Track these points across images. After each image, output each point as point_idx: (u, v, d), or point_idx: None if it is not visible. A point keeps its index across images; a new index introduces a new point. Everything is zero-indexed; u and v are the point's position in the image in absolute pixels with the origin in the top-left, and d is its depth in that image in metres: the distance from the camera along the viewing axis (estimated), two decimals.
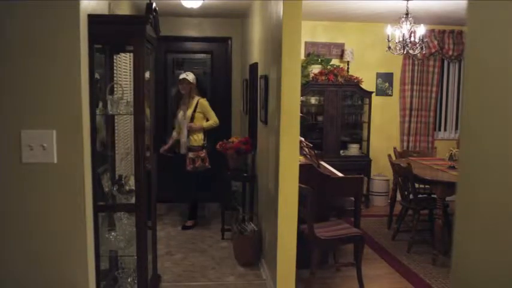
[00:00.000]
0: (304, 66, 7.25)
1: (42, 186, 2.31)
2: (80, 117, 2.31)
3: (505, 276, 1.19)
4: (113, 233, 3.33)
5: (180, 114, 6.27)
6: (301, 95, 5.41)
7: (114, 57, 3.73)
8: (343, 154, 7.53)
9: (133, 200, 3.25)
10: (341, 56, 7.66)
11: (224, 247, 5.57)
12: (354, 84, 7.44)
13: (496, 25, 1.26)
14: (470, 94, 1.41)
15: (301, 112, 4.32)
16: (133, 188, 3.30)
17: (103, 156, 3.37)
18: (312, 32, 7.52)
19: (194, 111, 6.15)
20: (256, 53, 5.76)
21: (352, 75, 7.47)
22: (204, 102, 6.23)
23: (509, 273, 1.15)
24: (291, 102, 3.86)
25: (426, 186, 6.01)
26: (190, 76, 6.20)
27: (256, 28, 5.75)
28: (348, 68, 7.60)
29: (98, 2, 3.05)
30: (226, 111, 7.64)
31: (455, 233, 1.46)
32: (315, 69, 7.51)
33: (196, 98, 6.20)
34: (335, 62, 7.63)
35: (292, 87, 3.86)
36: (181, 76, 6.24)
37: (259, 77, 5.31)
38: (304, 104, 7.25)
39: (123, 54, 4.03)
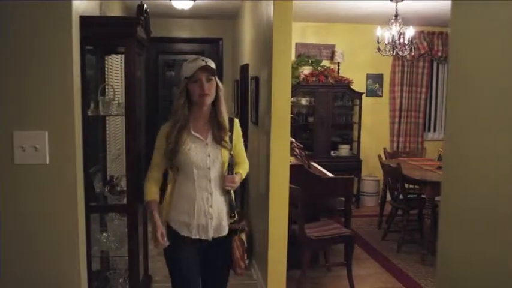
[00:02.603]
0: (295, 68, 7.28)
1: (34, 187, 2.32)
2: (72, 119, 2.32)
3: (486, 270, 1.23)
4: (104, 234, 3.34)
5: (193, 155, 2.63)
6: (292, 96, 5.44)
7: (105, 58, 3.74)
8: (333, 155, 7.57)
9: (125, 201, 3.26)
10: (331, 57, 7.70)
11: None
12: (344, 85, 7.48)
13: (479, 26, 1.29)
14: (454, 94, 1.45)
15: (292, 113, 4.36)
16: (125, 188, 3.31)
17: (95, 157, 3.38)
18: (302, 33, 7.56)
19: (230, 146, 2.73)
20: (247, 54, 5.78)
21: (342, 77, 7.51)
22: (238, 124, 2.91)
23: (490, 267, 1.18)
24: (281, 103, 3.88)
25: (416, 186, 6.06)
26: (213, 65, 2.71)
27: (247, 29, 5.77)
28: (338, 69, 7.64)
29: (89, 3, 3.06)
30: None
31: (440, 231, 1.49)
32: (306, 70, 7.54)
33: (226, 114, 2.73)
34: (325, 63, 7.67)
35: (282, 88, 3.89)
36: (200, 63, 2.60)
37: (250, 78, 5.33)
38: (294, 105, 7.28)
39: (114, 55, 4.03)
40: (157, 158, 2.71)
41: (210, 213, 2.63)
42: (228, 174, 2.67)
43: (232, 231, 2.72)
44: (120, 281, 3.50)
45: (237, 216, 2.74)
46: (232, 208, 2.72)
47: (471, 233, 1.32)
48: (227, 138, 2.67)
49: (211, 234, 2.65)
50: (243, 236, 2.77)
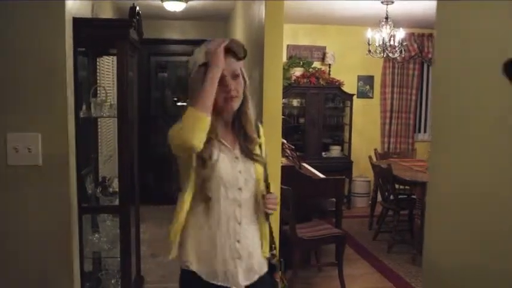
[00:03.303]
0: (286, 69, 7.32)
1: (27, 188, 2.33)
2: (65, 121, 2.34)
3: (470, 267, 1.26)
4: (96, 235, 3.35)
5: (222, 168, 1.97)
6: (283, 98, 5.47)
7: (97, 59, 3.75)
8: (324, 156, 7.61)
9: (117, 202, 3.28)
10: (322, 59, 7.75)
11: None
12: (335, 87, 7.52)
13: (463, 27, 1.33)
14: (439, 95, 1.48)
15: (283, 114, 4.39)
16: (117, 189, 3.32)
17: (87, 158, 3.38)
18: (293, 35, 7.59)
19: (265, 160, 2.16)
20: None
21: (333, 78, 7.56)
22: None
23: (473, 263, 1.22)
24: (273, 105, 3.91)
25: (406, 187, 6.12)
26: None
27: (239, 31, 5.80)
28: (329, 70, 7.68)
29: (81, 4, 3.07)
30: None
31: (426, 230, 1.53)
32: (297, 71, 7.58)
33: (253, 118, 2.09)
34: (317, 64, 7.71)
35: (274, 90, 3.92)
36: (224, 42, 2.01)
37: None
38: (286, 106, 7.32)
39: (106, 57, 4.04)
40: None
41: (238, 252, 1.94)
42: (268, 193, 2.05)
43: (271, 267, 2.08)
44: (113, 281, 3.51)
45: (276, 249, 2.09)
46: (272, 238, 2.12)
47: (455, 233, 1.36)
48: (258, 151, 2.04)
49: (242, 282, 1.96)
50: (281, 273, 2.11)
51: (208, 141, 1.87)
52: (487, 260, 1.20)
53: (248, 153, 2.00)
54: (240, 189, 1.96)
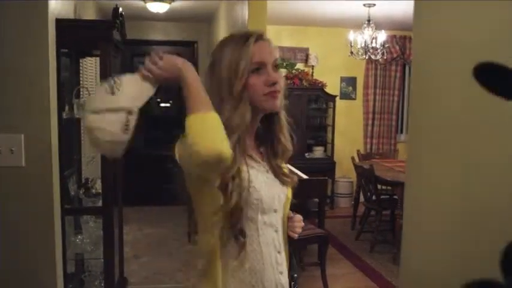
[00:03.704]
0: None
1: (10, 189, 2.32)
2: (48, 122, 2.33)
3: (444, 265, 1.29)
4: (79, 236, 3.34)
5: (259, 187, 1.51)
6: None
7: (80, 60, 3.74)
8: (308, 157, 7.66)
9: (100, 203, 3.27)
10: (305, 61, 7.79)
11: (191, 250, 5.59)
12: (318, 88, 7.58)
13: (439, 29, 1.36)
14: (416, 96, 1.52)
15: None
16: (100, 191, 3.32)
17: (69, 159, 3.37)
18: (277, 37, 7.63)
19: (295, 179, 1.71)
20: None
21: (316, 79, 7.61)
22: None
23: (447, 260, 1.25)
24: None
25: (388, 187, 6.18)
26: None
27: (222, 32, 5.81)
28: (312, 72, 7.73)
29: (63, 4, 3.06)
30: None
31: (404, 229, 1.56)
32: (281, 73, 7.60)
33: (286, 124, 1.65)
34: (300, 66, 7.75)
35: None
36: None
37: None
38: None
39: (89, 57, 4.03)
40: None
41: (283, 286, 1.59)
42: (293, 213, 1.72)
43: None
44: (96, 283, 3.50)
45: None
46: (293, 266, 1.72)
47: (432, 230, 1.39)
48: (286, 169, 1.65)
49: None
50: None
51: (237, 157, 1.42)
52: (461, 260, 1.23)
53: (277, 168, 1.60)
54: (275, 211, 1.58)
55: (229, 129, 1.35)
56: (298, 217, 1.70)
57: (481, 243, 1.15)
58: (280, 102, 1.53)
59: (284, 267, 1.59)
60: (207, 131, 1.28)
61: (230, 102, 1.42)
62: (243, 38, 1.45)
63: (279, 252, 1.57)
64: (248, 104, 1.43)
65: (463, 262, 1.19)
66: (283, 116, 1.60)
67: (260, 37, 1.48)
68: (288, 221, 1.67)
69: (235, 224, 1.44)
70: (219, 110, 1.36)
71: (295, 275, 1.71)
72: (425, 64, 1.46)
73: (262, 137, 1.60)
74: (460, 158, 1.26)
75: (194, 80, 1.38)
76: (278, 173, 1.59)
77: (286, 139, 1.59)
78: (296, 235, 1.68)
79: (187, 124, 1.31)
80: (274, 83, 1.45)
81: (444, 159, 1.34)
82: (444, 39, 1.32)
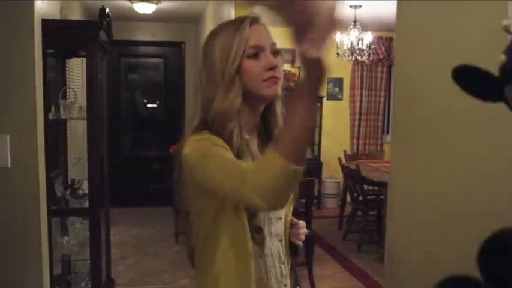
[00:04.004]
0: None
1: None
2: (34, 122, 2.32)
3: (427, 262, 1.31)
4: (66, 238, 3.33)
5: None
6: None
7: (67, 61, 3.73)
8: None
9: (86, 204, 3.27)
10: (292, 62, 7.81)
11: (178, 251, 5.59)
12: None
13: (421, 30, 1.38)
14: (399, 96, 1.54)
15: None
16: (87, 192, 3.31)
17: (56, 160, 3.36)
18: None
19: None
20: None
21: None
22: None
23: (430, 258, 1.27)
24: None
25: (374, 187, 6.23)
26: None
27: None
28: (299, 73, 7.75)
29: (49, 5, 3.05)
30: (180, 115, 7.67)
31: (388, 229, 1.58)
32: None
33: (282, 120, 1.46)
34: (286, 67, 7.77)
35: None
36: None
37: None
38: None
39: (75, 58, 4.02)
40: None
41: None
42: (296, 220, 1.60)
43: None
44: (82, 284, 3.49)
45: None
46: (296, 277, 1.61)
47: (414, 231, 1.41)
48: None
49: None
50: None
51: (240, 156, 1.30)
52: (443, 257, 1.25)
53: None
54: (280, 219, 1.47)
55: (220, 116, 1.29)
56: (303, 223, 1.58)
57: (462, 241, 1.18)
58: (280, 90, 1.38)
59: (288, 279, 1.49)
60: (286, 191, 1.12)
61: (223, 88, 1.31)
62: (237, 22, 1.36)
63: (283, 263, 1.47)
64: (240, 89, 1.31)
65: (445, 259, 1.21)
66: (278, 107, 1.44)
67: (256, 20, 1.38)
68: (290, 228, 1.55)
69: (252, 220, 1.33)
70: (212, 99, 1.31)
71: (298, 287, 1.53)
72: (407, 65, 1.48)
73: (262, 132, 1.47)
74: (442, 158, 1.28)
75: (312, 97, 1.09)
76: None
77: None
78: (301, 243, 1.57)
79: (271, 164, 1.07)
80: (273, 67, 1.33)
81: (426, 158, 1.37)
82: (426, 39, 1.35)
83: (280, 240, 1.46)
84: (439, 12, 1.23)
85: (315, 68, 0.99)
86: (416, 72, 1.39)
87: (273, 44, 1.38)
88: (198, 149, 1.27)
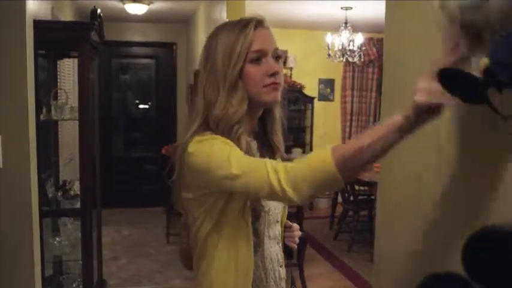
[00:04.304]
0: None
1: None
2: (26, 123, 2.32)
3: (414, 263, 1.34)
4: (57, 238, 3.33)
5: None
6: None
7: (58, 62, 3.72)
8: (286, 158, 7.69)
9: (78, 205, 3.27)
10: (284, 63, 7.84)
11: (169, 251, 5.60)
12: (297, 90, 7.63)
13: (410, 30, 1.41)
14: (388, 96, 1.56)
15: None
16: (78, 193, 3.31)
17: (47, 161, 3.36)
18: None
19: None
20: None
21: (295, 81, 7.66)
22: None
23: (419, 257, 1.30)
24: None
25: (366, 187, 6.26)
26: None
27: (201, 34, 5.83)
28: (291, 74, 7.78)
29: (41, 5, 3.05)
30: (172, 116, 7.67)
31: (377, 230, 1.61)
32: None
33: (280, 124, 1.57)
34: None
35: None
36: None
37: None
38: None
39: (67, 59, 4.02)
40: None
41: None
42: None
43: None
44: (74, 285, 3.49)
45: None
46: (292, 279, 1.63)
47: (403, 231, 1.44)
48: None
49: None
50: None
51: None
52: (432, 256, 1.27)
53: None
54: (278, 222, 1.48)
55: (225, 120, 1.29)
56: (296, 226, 1.59)
57: (451, 240, 1.20)
58: (279, 95, 1.39)
59: (284, 282, 1.50)
60: (318, 192, 1.17)
61: (225, 92, 1.30)
62: (241, 24, 1.33)
63: (281, 266, 1.48)
64: (244, 93, 1.30)
65: (435, 259, 1.24)
66: (277, 112, 1.49)
67: (260, 23, 1.35)
68: (285, 231, 1.55)
69: (254, 222, 1.35)
70: (214, 102, 1.30)
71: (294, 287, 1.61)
72: (395, 65, 1.51)
73: (261, 135, 1.49)
74: (430, 157, 1.30)
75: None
76: None
77: (277, 138, 1.51)
78: (296, 246, 1.57)
79: (320, 162, 1.10)
80: (274, 74, 1.32)
81: (414, 158, 1.39)
82: (415, 39, 1.37)
83: (278, 243, 1.47)
84: (428, 12, 1.25)
85: (428, 116, 0.97)
86: (405, 73, 1.42)
87: (276, 49, 1.36)
88: (206, 147, 1.26)
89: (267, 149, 1.49)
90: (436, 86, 0.87)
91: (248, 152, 1.31)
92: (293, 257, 1.57)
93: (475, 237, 0.72)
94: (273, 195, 1.17)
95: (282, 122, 1.51)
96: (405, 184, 1.43)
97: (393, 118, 1.02)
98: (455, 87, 0.83)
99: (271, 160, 1.25)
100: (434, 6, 0.94)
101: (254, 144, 1.43)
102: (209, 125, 1.32)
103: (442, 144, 1.20)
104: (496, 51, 0.74)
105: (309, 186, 1.11)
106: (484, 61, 0.75)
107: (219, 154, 1.23)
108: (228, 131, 1.29)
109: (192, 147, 1.27)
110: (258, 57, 1.31)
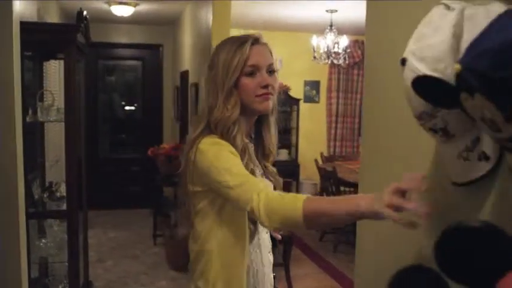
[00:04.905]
0: None
1: None
2: (12, 124, 2.33)
3: (394, 260, 1.37)
4: (43, 240, 3.33)
5: None
6: None
7: (44, 64, 3.72)
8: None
9: (64, 207, 3.27)
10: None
11: (156, 253, 5.60)
12: (283, 92, 7.67)
13: (390, 32, 1.44)
14: (369, 97, 1.60)
15: None
16: (65, 194, 3.32)
17: (33, 163, 3.36)
18: None
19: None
20: (187, 61, 5.86)
21: (281, 83, 7.68)
22: None
23: (399, 253, 1.33)
24: None
25: (351, 189, 6.32)
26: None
27: (187, 36, 5.85)
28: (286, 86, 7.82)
29: (27, 6, 3.05)
30: (158, 118, 7.68)
31: (358, 228, 1.65)
32: None
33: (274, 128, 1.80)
34: None
35: None
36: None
37: (189, 84, 5.41)
38: None
39: (53, 60, 4.02)
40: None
41: (272, 285, 1.78)
42: None
43: None
44: (60, 287, 3.49)
45: None
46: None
47: (382, 231, 1.48)
48: (272, 170, 1.76)
49: None
50: None
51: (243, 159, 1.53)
52: (410, 253, 1.31)
53: (266, 171, 1.71)
54: None
55: (222, 122, 1.51)
56: None
57: (429, 237, 1.24)
58: (271, 105, 1.60)
59: (272, 266, 1.74)
60: (286, 227, 1.37)
61: (222, 98, 1.52)
62: (240, 40, 1.55)
63: (269, 252, 1.71)
64: (238, 100, 1.52)
65: (413, 255, 1.28)
66: (272, 119, 1.71)
67: (256, 41, 1.56)
68: None
69: (242, 222, 1.55)
70: (214, 106, 1.52)
71: (275, 274, 1.80)
72: (377, 67, 1.54)
73: (255, 138, 1.72)
74: (410, 159, 1.34)
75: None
76: (267, 174, 1.70)
77: (270, 142, 1.72)
78: (280, 236, 1.79)
79: (292, 208, 1.27)
80: (266, 86, 1.53)
81: (393, 159, 1.43)
82: (396, 41, 1.41)
83: (267, 232, 1.69)
84: (408, 14, 1.29)
85: (378, 218, 1.08)
86: (386, 74, 1.45)
87: (270, 64, 1.57)
88: (215, 150, 1.48)
89: (262, 152, 1.72)
90: (406, 205, 0.98)
91: (244, 151, 1.53)
92: (277, 245, 1.80)
93: (444, 232, 0.76)
94: (253, 214, 1.35)
95: (277, 126, 1.76)
96: (384, 184, 1.48)
97: (360, 204, 1.12)
98: (429, 93, 0.87)
99: (263, 181, 1.55)
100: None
101: (251, 147, 1.64)
102: (211, 128, 1.54)
103: (423, 145, 1.24)
104: (466, 58, 0.78)
105: (279, 220, 1.29)
106: (457, 67, 0.78)
107: (223, 161, 1.45)
108: (225, 132, 1.51)
109: (203, 145, 1.49)
110: (252, 71, 1.53)
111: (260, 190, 1.34)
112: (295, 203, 1.25)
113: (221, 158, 1.45)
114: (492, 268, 0.73)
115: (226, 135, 1.51)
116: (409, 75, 0.94)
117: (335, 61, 6.47)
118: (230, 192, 1.40)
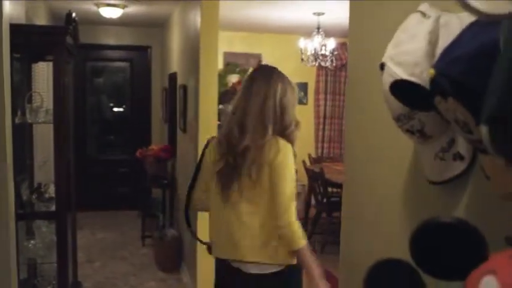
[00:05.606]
0: (223, 76, 7.44)
1: None
2: (2, 126, 2.35)
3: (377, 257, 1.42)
4: (32, 241, 3.34)
5: None
6: (220, 103, 5.58)
7: (32, 65, 3.73)
8: None
9: (53, 208, 3.28)
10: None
11: (145, 254, 5.62)
12: None
13: (372, 33, 1.49)
14: (351, 97, 1.65)
15: (220, 120, 4.51)
16: (53, 195, 3.33)
17: (21, 164, 3.37)
18: (230, 43, 7.73)
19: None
20: (175, 63, 5.88)
21: None
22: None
23: (380, 253, 1.38)
24: (208, 111, 4.02)
25: (338, 189, 6.37)
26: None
27: (176, 38, 5.87)
28: None
29: (15, 6, 3.06)
30: (146, 119, 7.69)
31: (342, 228, 1.69)
32: (234, 78, 7.71)
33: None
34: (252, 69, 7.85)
35: (209, 96, 4.02)
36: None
37: (178, 86, 5.43)
38: (223, 112, 7.42)
39: (41, 62, 4.02)
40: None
41: None
42: None
43: None
44: None
45: None
46: None
47: (369, 230, 1.52)
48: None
49: None
50: None
51: None
52: (394, 250, 1.36)
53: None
54: None
55: (294, 134, 2.45)
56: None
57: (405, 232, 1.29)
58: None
59: None
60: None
61: (293, 119, 2.51)
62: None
63: None
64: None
65: (393, 251, 1.32)
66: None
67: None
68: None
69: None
70: (290, 122, 2.43)
71: None
72: (359, 69, 1.59)
73: None
74: (391, 159, 1.39)
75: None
76: None
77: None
78: None
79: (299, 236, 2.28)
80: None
81: (376, 160, 1.48)
82: (379, 39, 1.45)
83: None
84: (390, 18, 1.33)
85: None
86: (368, 76, 1.50)
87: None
88: (290, 155, 2.29)
89: None
90: None
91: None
92: None
93: (418, 227, 0.81)
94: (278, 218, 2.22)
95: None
96: (368, 185, 1.52)
97: (316, 272, 2.28)
98: (406, 96, 0.92)
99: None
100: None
101: None
102: (282, 134, 2.28)
103: (403, 146, 1.29)
104: (440, 64, 0.83)
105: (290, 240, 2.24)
106: (431, 72, 0.83)
107: (292, 169, 2.29)
108: (294, 140, 2.38)
109: (283, 146, 2.22)
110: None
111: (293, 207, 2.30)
112: (300, 239, 2.24)
113: (291, 165, 2.29)
114: (463, 263, 0.77)
115: (294, 141, 2.37)
116: (387, 79, 0.99)
117: (322, 63, 6.53)
118: (287, 200, 2.30)
